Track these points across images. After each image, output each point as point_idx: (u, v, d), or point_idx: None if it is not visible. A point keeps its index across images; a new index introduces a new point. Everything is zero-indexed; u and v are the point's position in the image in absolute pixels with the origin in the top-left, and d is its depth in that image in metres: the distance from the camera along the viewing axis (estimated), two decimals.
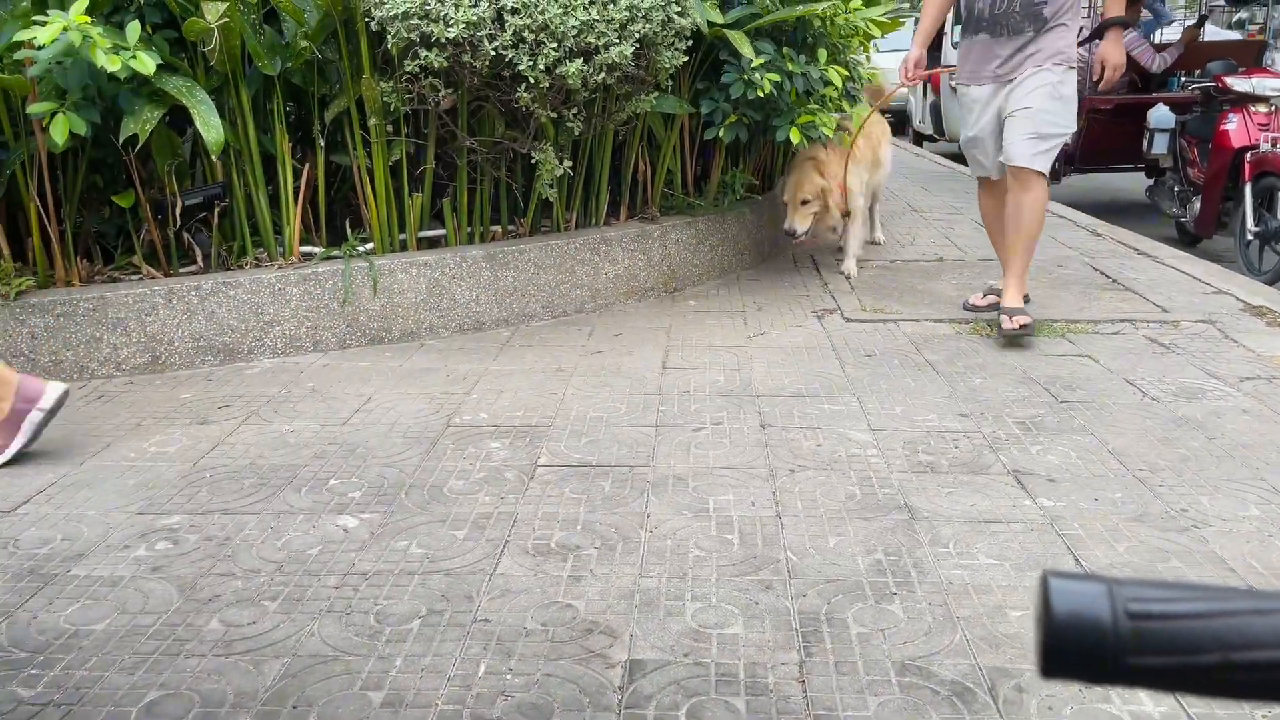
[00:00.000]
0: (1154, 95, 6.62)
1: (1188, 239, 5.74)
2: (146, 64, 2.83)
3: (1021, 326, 3.38)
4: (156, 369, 3.23)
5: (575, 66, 3.26)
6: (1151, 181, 6.36)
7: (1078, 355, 3.27)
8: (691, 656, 1.62)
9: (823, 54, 4.14)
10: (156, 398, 2.99)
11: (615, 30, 3.34)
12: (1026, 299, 3.65)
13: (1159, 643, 0.38)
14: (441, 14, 3.17)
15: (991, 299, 3.83)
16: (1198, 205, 5.42)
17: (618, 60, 3.34)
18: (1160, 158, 6.06)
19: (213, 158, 3.21)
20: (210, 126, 3.05)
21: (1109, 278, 4.37)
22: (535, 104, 3.38)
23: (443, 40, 3.19)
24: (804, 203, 4.26)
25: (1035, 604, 0.40)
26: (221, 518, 2.17)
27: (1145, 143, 6.07)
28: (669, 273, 4.11)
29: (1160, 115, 6.03)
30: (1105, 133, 6.63)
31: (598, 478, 2.35)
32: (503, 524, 2.11)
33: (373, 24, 3.30)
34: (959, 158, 9.45)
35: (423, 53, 3.24)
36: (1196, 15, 7.59)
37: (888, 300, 4.03)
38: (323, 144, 3.52)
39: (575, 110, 3.52)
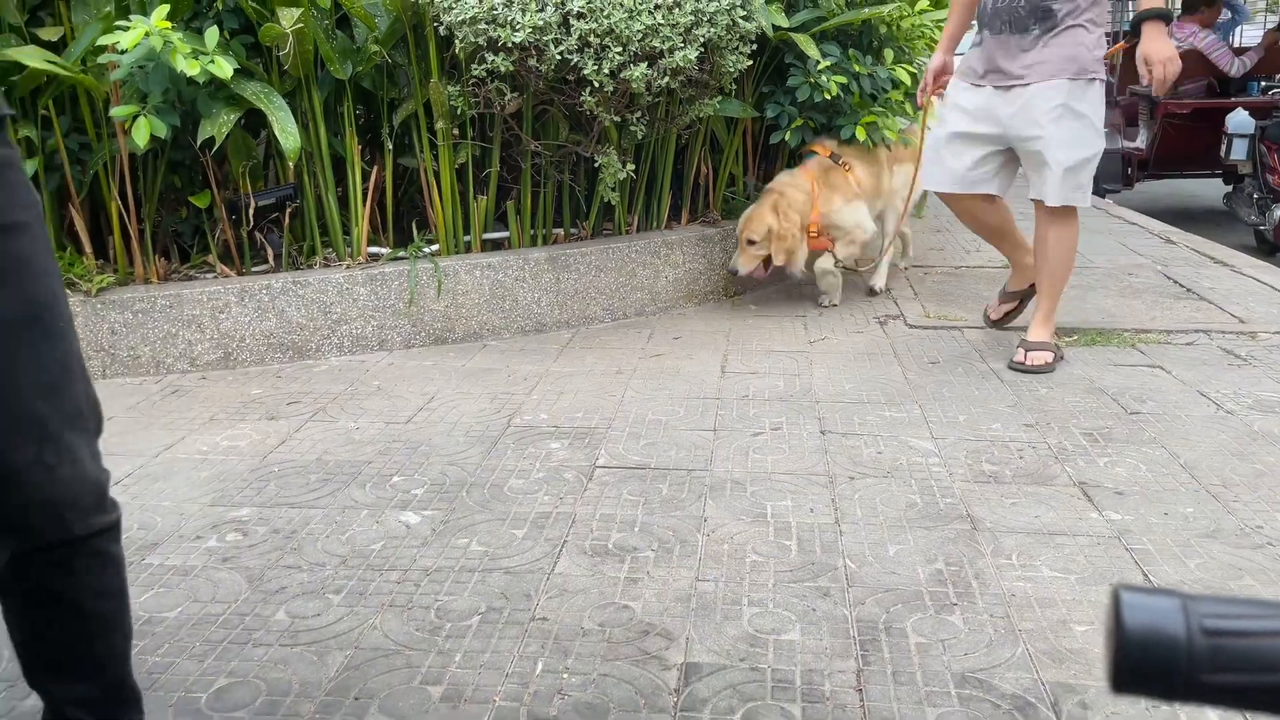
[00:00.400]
0: (1233, 100, 6.43)
1: (1266, 248, 5.57)
2: (224, 68, 2.92)
3: (1038, 366, 3.10)
4: (228, 365, 3.32)
5: (639, 71, 3.28)
6: (1229, 188, 6.18)
7: (1149, 366, 3.19)
8: (748, 661, 1.62)
9: (889, 54, 4.10)
10: (228, 393, 3.08)
11: (680, 35, 3.35)
12: (1057, 346, 3.21)
13: (1234, 660, 0.38)
14: (508, 19, 3.21)
15: (1007, 306, 3.55)
16: (1278, 213, 5.26)
17: (682, 64, 3.35)
18: (1239, 164, 5.88)
19: (288, 161, 3.29)
20: (287, 133, 3.13)
21: (1182, 286, 4.25)
22: (599, 108, 3.40)
23: (509, 44, 3.23)
24: (750, 243, 3.80)
25: (1106, 618, 0.40)
26: (289, 511, 2.22)
27: (1223, 148, 5.90)
28: (729, 276, 4.10)
29: (1239, 120, 5.85)
30: (1181, 138, 6.46)
31: (655, 480, 2.36)
32: (561, 524, 2.13)
33: (441, 29, 3.35)
34: None
35: (489, 57, 3.29)
36: (1279, 19, 7.37)
37: (952, 307, 3.97)
38: (391, 147, 3.58)
39: (639, 114, 3.54)
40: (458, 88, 3.46)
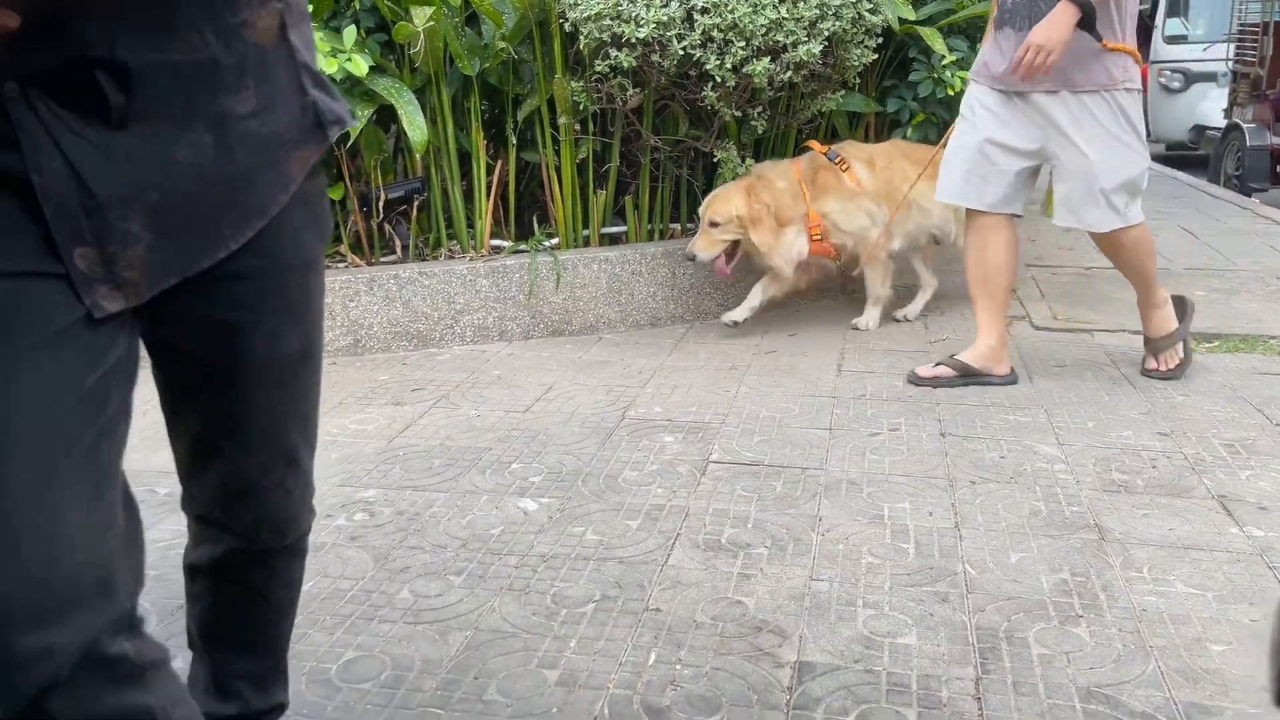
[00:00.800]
0: None
1: None
2: (360, 66, 3.03)
3: (1171, 369, 2.93)
4: (357, 352, 3.45)
5: (762, 65, 3.26)
6: None
7: None
8: (862, 663, 1.60)
9: None
10: (357, 379, 3.20)
11: (804, 29, 3.31)
12: (1178, 337, 2.97)
13: None
14: (633, 14, 3.24)
15: (942, 370, 2.98)
16: None
17: (805, 59, 3.32)
18: None
19: (415, 155, 3.39)
20: (416, 127, 3.24)
21: None
22: (720, 103, 3.40)
23: (633, 40, 3.25)
24: (713, 225, 3.42)
25: (1271, 632, 0.38)
26: (413, 494, 2.30)
27: None
28: (848, 273, 4.05)
29: None
30: None
31: (769, 477, 2.35)
32: (674, 517, 2.15)
33: (566, 25, 3.40)
34: (1167, 160, 8.86)
35: (613, 52, 3.32)
36: None
37: (1081, 309, 3.83)
38: (514, 142, 3.66)
39: (760, 109, 3.52)
40: (581, 83, 3.51)
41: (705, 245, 3.43)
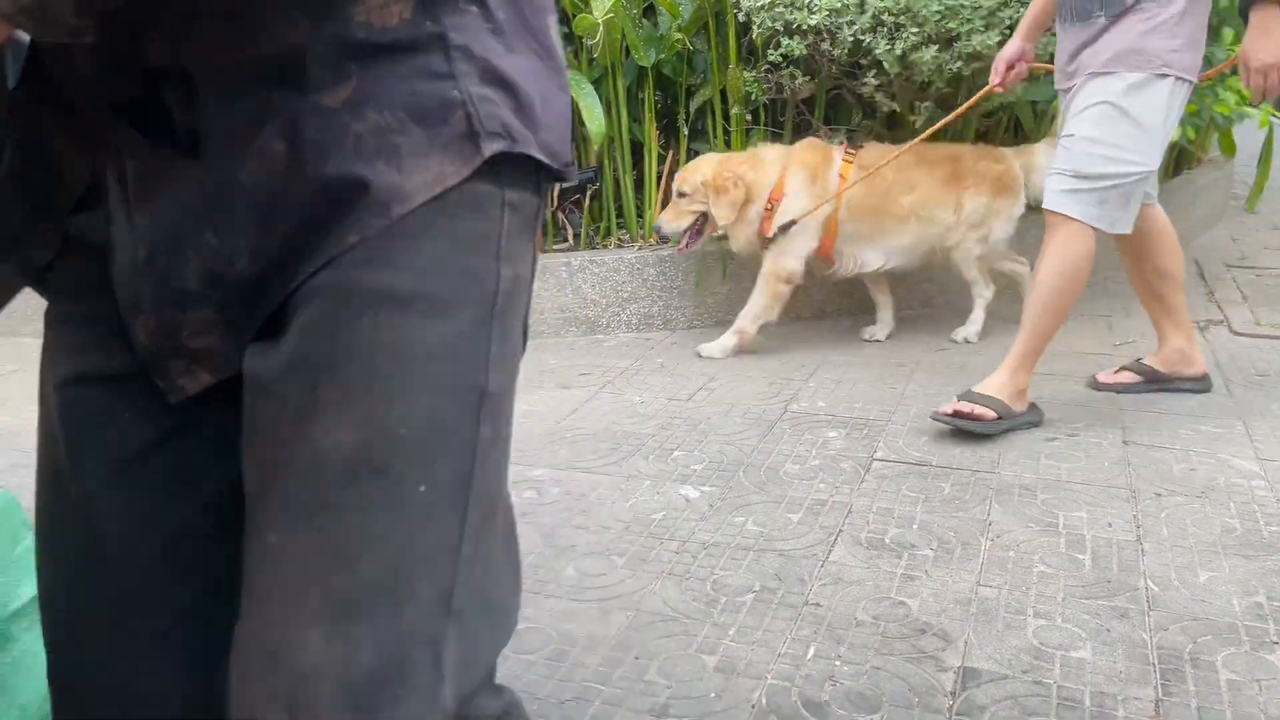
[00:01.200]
0: None
1: None
2: None
3: (955, 414, 2.48)
4: (530, 335, 3.57)
5: (929, 54, 3.16)
6: None
7: None
8: (1031, 675, 1.55)
9: (1227, 34, 3.70)
10: (527, 362, 3.29)
11: (983, 17, 3.19)
12: (1032, 405, 2.58)
13: None
14: (806, 1, 3.21)
15: (1125, 377, 2.80)
16: None
17: (980, 49, 3.19)
18: None
19: (592, 146, 3.47)
20: (594, 119, 3.32)
21: None
22: (879, 93, 3.32)
23: (804, 27, 3.22)
24: (680, 195, 3.18)
25: None
26: (578, 475, 2.37)
27: None
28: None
29: None
30: None
31: (936, 478, 2.29)
32: (836, 513, 2.13)
33: (740, 15, 3.40)
34: None
35: (784, 40, 3.30)
36: None
37: None
38: (686, 132, 3.69)
39: (927, 103, 3.41)
40: (753, 73, 3.50)
41: (671, 216, 3.22)
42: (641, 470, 2.39)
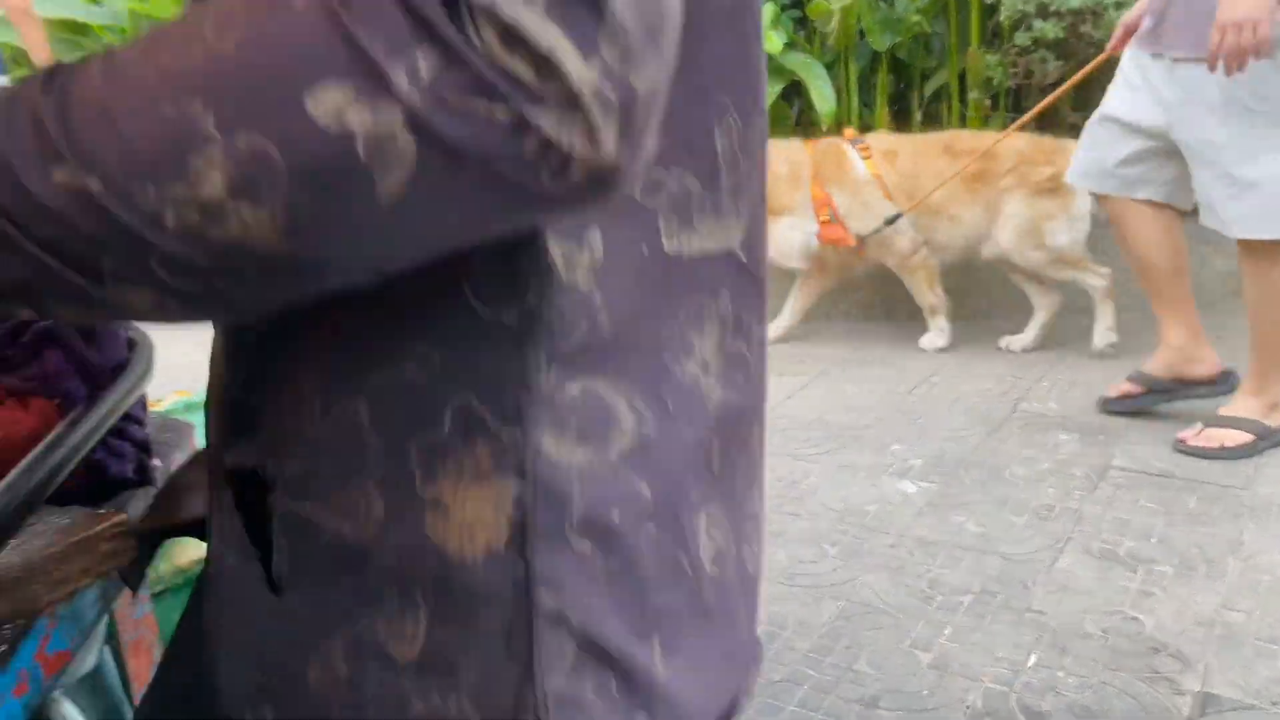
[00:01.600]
0: None
1: None
2: (774, 43, 3.13)
3: (1210, 449, 2.25)
4: None
5: None
6: None
7: None
8: None
9: None
10: None
11: None
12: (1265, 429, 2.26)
13: None
14: None
15: (1128, 388, 2.53)
16: None
17: None
18: None
19: (821, 127, 3.44)
20: (824, 98, 3.31)
21: None
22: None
23: (1062, 10, 3.05)
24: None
25: None
26: (791, 462, 2.37)
27: None
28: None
29: None
30: None
31: (1181, 491, 2.13)
32: (1066, 520, 2.02)
33: None
34: None
35: (1037, 24, 3.13)
36: None
37: None
38: (920, 118, 3.59)
39: None
40: (996, 57, 3.35)
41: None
42: (856, 462, 2.36)
